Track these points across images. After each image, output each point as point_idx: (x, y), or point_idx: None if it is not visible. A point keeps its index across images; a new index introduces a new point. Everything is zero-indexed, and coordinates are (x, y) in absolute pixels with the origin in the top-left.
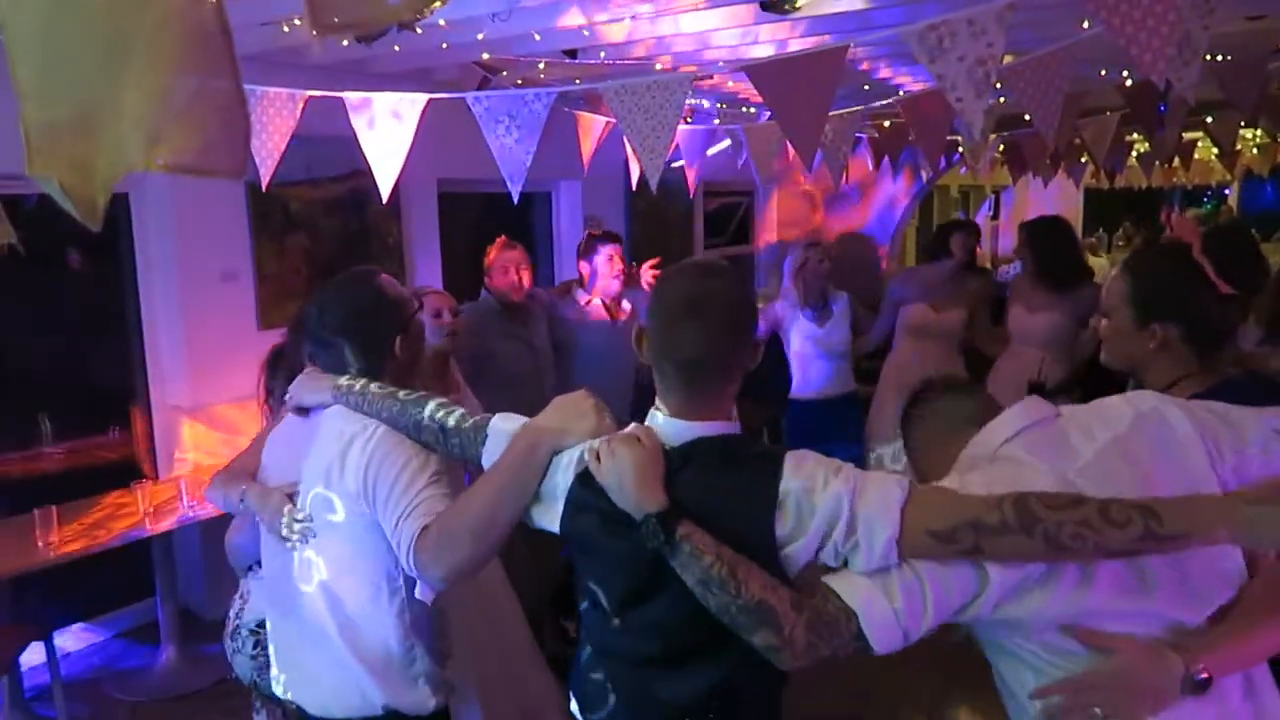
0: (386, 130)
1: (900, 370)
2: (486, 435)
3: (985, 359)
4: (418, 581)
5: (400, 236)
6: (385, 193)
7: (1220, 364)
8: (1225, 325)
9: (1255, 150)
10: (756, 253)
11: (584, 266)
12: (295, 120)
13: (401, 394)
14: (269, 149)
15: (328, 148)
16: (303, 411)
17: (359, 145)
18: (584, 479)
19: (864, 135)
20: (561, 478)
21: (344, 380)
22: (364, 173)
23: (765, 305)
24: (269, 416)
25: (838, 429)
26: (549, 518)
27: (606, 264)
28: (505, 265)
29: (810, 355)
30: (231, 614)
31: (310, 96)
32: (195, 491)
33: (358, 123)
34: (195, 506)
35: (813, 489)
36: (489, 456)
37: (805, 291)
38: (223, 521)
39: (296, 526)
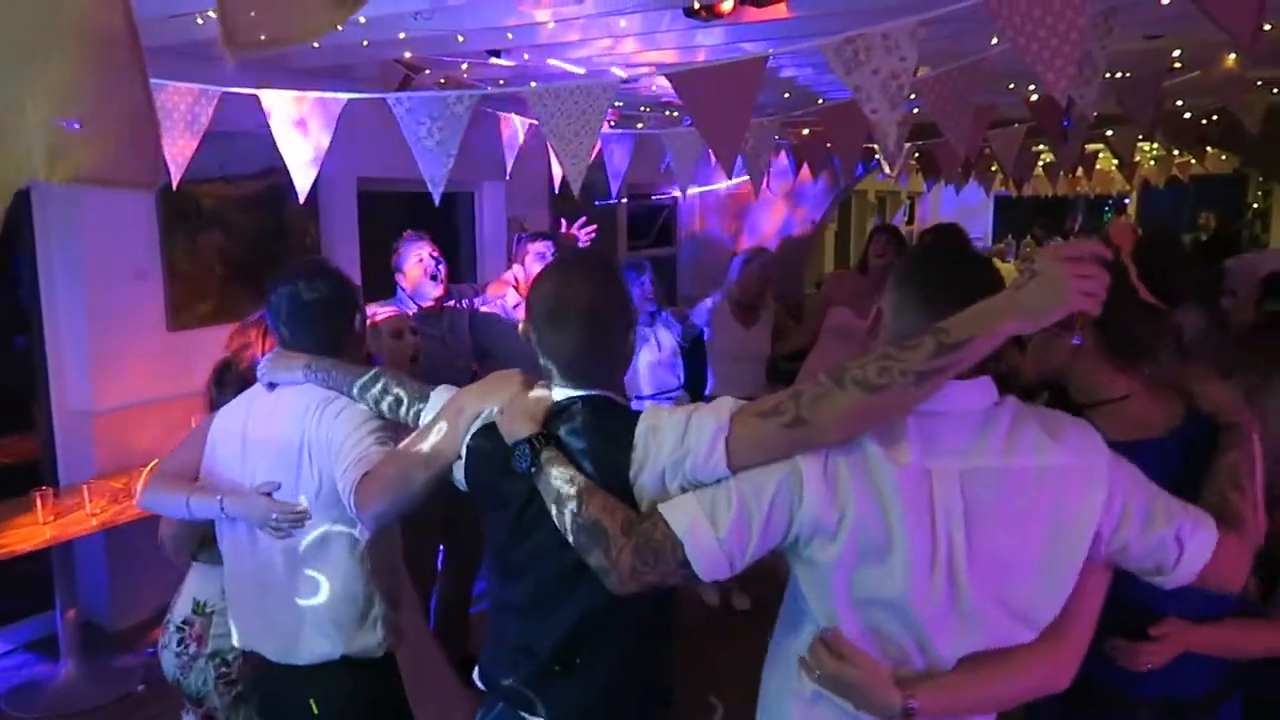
0: (304, 129)
1: (814, 371)
2: (427, 402)
3: None
4: (359, 525)
5: (318, 236)
6: (303, 193)
7: (1140, 381)
8: (1144, 338)
9: (1152, 162)
10: (679, 254)
11: (517, 268)
12: (208, 117)
13: (361, 370)
14: (180, 146)
15: (243, 144)
16: (271, 386)
17: (276, 143)
18: (487, 429)
19: (787, 142)
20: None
21: (312, 360)
22: (281, 170)
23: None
24: None
25: None
26: (461, 472)
27: (535, 262)
28: (417, 255)
29: (732, 356)
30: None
31: (225, 93)
32: (98, 498)
33: (274, 121)
34: (99, 514)
35: (658, 426)
36: (425, 420)
37: (742, 294)
38: (128, 530)
39: (290, 519)
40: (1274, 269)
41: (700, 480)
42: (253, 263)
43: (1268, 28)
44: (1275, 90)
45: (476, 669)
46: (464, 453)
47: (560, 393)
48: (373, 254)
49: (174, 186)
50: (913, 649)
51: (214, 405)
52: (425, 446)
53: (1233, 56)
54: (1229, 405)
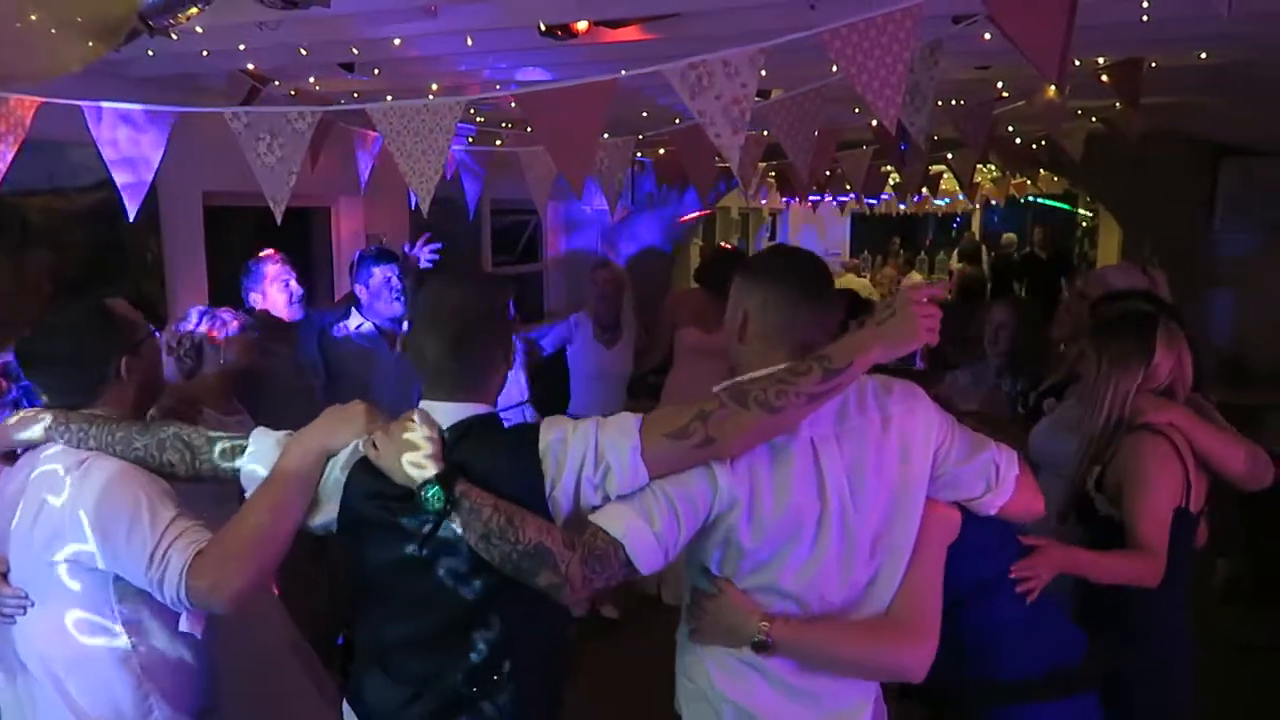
0: (135, 143)
1: (680, 389)
2: (247, 448)
3: None
4: (182, 615)
5: (160, 253)
6: (133, 210)
7: None
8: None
9: (991, 182)
10: (546, 270)
11: (359, 289)
12: (25, 127)
13: (129, 422)
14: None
15: (75, 155)
16: (10, 459)
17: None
18: (362, 466)
19: (649, 160)
20: (337, 475)
21: (60, 415)
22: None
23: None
24: None
25: None
26: (324, 516)
27: (382, 286)
28: (282, 279)
29: (594, 375)
30: None
31: (43, 102)
32: None
33: (99, 134)
34: None
35: (565, 438)
36: (251, 467)
37: (599, 311)
38: None
39: (10, 604)
40: (1119, 287)
41: (623, 492)
42: (87, 281)
43: (1077, 64)
44: (1094, 119)
45: (349, 707)
46: (318, 496)
47: (441, 412)
48: (221, 271)
49: None
50: (811, 606)
51: None
52: (277, 498)
53: (1053, 88)
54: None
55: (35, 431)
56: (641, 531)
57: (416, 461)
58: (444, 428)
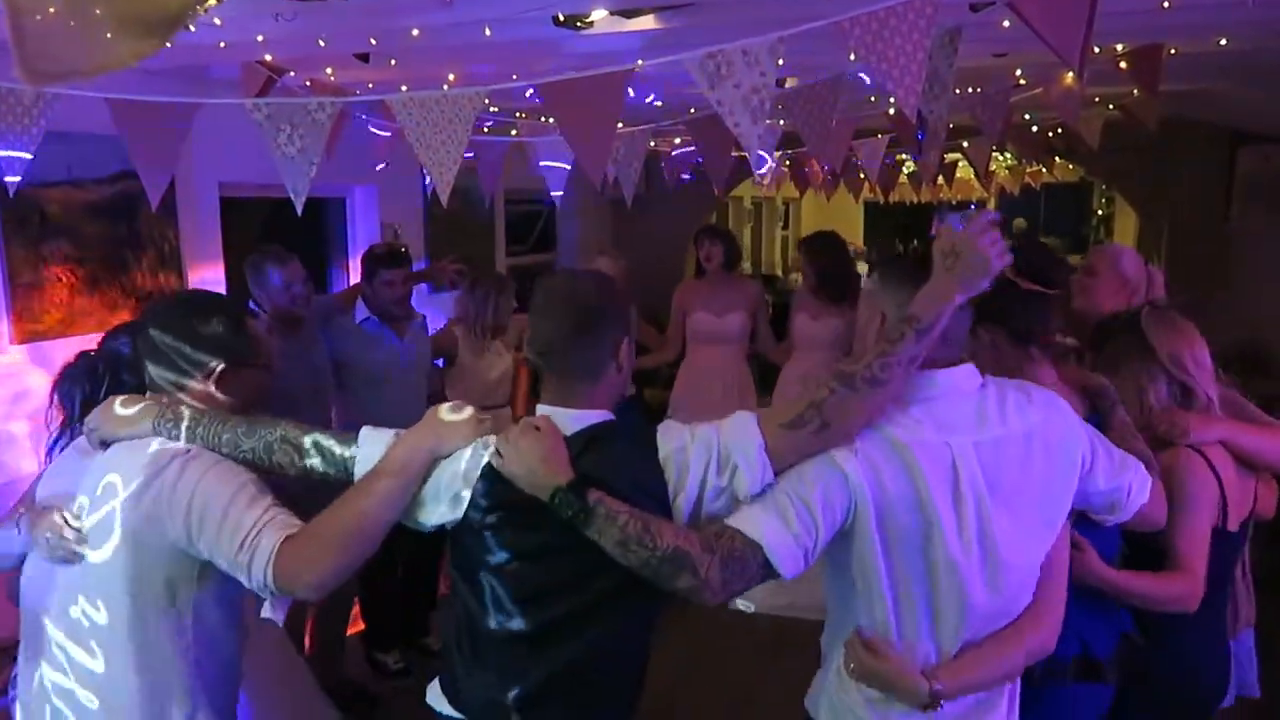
0: (155, 133)
1: (695, 375)
2: (358, 447)
3: (775, 367)
4: (266, 601)
5: (177, 244)
6: (155, 200)
7: (1057, 376)
8: (1036, 318)
9: (1006, 171)
10: (559, 260)
11: (364, 285)
12: (44, 119)
13: (236, 420)
14: (16, 150)
15: (92, 147)
16: (105, 445)
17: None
18: (488, 474)
19: (666, 150)
20: (447, 479)
21: (165, 409)
22: (133, 174)
23: None
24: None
25: None
26: (434, 518)
27: (385, 289)
28: (292, 280)
29: None
30: None
31: (61, 94)
32: None
33: (121, 126)
34: None
35: (684, 446)
36: (362, 466)
37: None
38: None
39: (68, 537)
40: (1129, 274)
41: (753, 491)
42: (105, 272)
43: (1096, 51)
44: (1111, 106)
45: (439, 691)
46: (424, 497)
47: (563, 419)
48: (238, 262)
49: (10, 194)
50: (950, 616)
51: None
52: (376, 495)
53: (1071, 75)
54: (1090, 376)
55: (142, 427)
56: (779, 533)
57: (545, 469)
58: (566, 435)
